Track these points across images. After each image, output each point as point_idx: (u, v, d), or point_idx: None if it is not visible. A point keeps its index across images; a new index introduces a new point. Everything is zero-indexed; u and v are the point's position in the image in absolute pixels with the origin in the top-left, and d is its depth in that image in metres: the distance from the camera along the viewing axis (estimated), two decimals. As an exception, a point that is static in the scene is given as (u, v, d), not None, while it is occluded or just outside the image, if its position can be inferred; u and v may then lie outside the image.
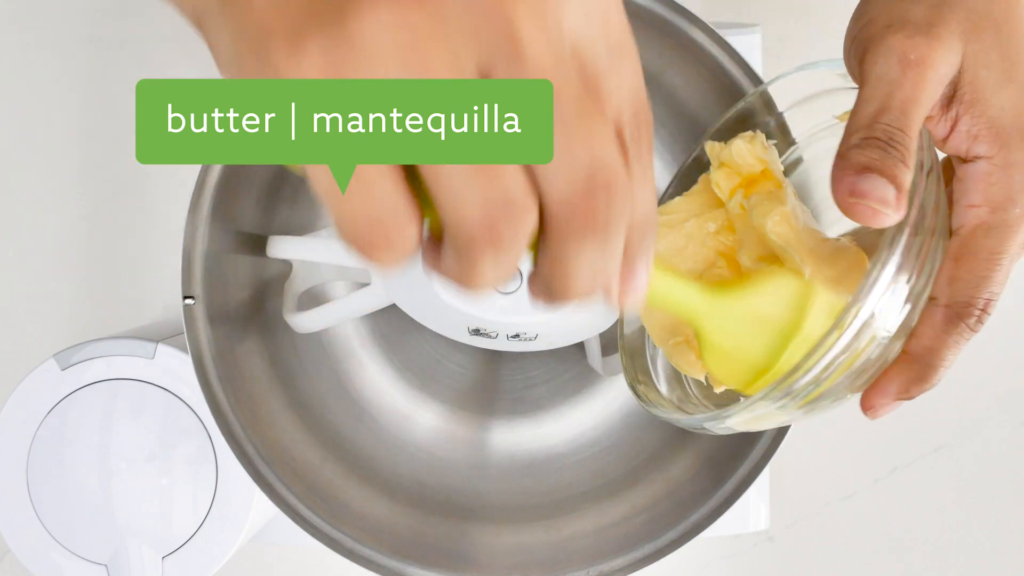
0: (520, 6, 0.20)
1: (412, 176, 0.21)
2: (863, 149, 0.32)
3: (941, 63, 0.32)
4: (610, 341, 0.54)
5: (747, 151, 0.38)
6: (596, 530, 0.52)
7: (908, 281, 0.32)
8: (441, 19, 0.20)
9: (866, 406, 0.37)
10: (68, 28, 0.64)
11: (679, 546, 0.48)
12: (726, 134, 0.41)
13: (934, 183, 0.33)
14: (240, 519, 0.49)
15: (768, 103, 0.41)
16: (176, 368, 0.49)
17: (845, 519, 0.64)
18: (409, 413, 0.58)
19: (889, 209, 0.31)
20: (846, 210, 0.32)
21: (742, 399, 0.35)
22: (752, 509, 0.58)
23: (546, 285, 0.23)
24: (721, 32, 0.46)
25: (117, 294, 0.64)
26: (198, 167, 0.47)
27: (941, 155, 0.35)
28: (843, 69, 0.36)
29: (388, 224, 0.22)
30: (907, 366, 0.35)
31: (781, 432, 0.47)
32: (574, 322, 0.49)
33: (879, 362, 0.35)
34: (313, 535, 0.48)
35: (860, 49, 0.34)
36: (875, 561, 0.65)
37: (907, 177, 0.31)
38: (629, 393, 0.57)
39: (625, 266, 0.23)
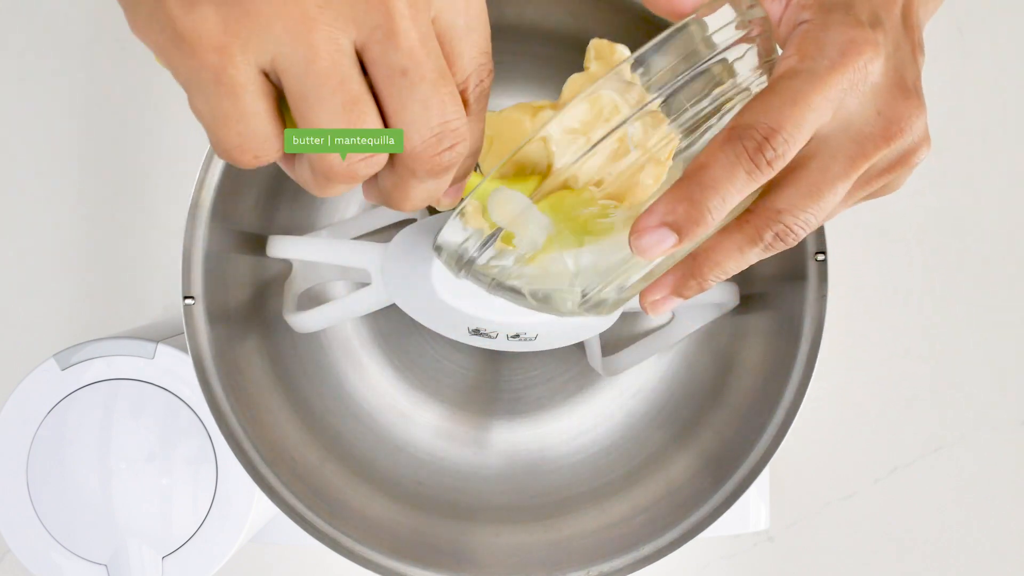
0: None
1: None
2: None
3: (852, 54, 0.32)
4: (610, 341, 0.54)
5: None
6: (596, 530, 0.52)
7: (669, 101, 0.31)
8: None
9: (643, 302, 0.35)
10: (68, 28, 0.64)
11: (679, 546, 0.48)
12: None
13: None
14: (240, 519, 0.49)
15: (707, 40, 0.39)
16: (176, 368, 0.49)
17: (845, 519, 0.64)
18: (409, 413, 0.58)
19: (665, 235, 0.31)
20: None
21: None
22: (752, 509, 0.58)
23: (384, 196, 0.29)
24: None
25: (117, 294, 0.64)
26: (199, 167, 0.47)
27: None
28: None
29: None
30: (683, 265, 0.34)
31: (781, 432, 0.47)
32: (574, 322, 0.49)
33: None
34: (313, 535, 0.48)
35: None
36: (875, 561, 0.65)
37: None
38: (629, 393, 0.57)
39: (452, 184, 0.30)
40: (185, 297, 0.47)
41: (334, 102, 0.26)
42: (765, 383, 0.48)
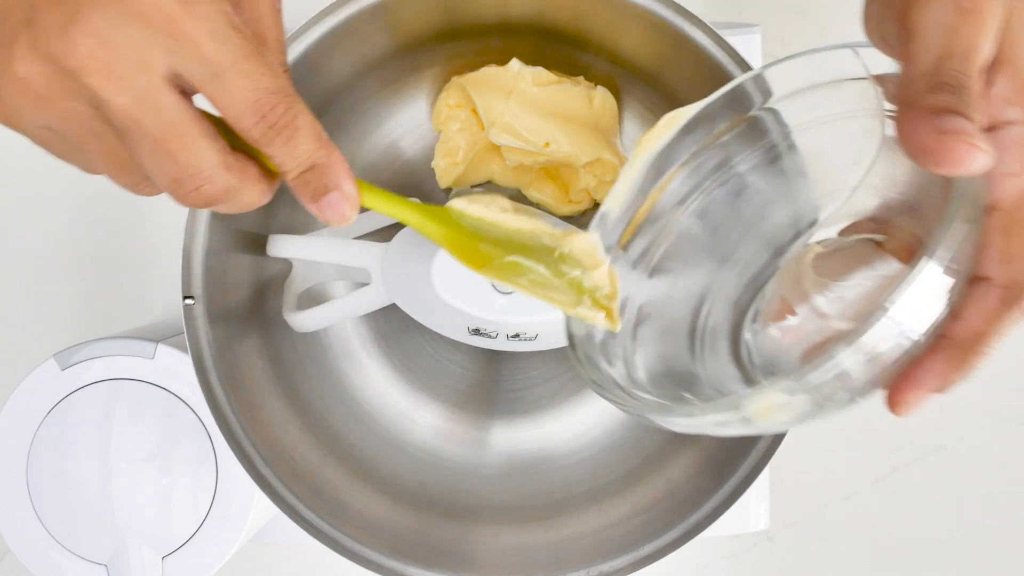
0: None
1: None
2: (934, 94, 0.29)
3: (995, 11, 0.30)
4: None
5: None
6: (596, 530, 0.52)
7: (946, 273, 0.29)
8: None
9: (895, 401, 0.32)
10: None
11: (679, 546, 0.48)
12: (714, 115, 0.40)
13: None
14: (240, 519, 0.49)
15: (763, 89, 0.39)
16: (176, 368, 0.50)
17: (845, 519, 0.64)
18: (409, 413, 0.58)
19: (982, 145, 0.28)
20: (933, 151, 0.28)
21: (751, 387, 0.34)
22: (752, 509, 0.58)
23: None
24: (721, 32, 0.46)
25: (117, 294, 0.64)
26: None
27: None
28: (855, 48, 0.34)
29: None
30: (947, 353, 0.31)
31: (781, 432, 0.47)
32: (574, 322, 0.49)
33: (904, 358, 0.31)
34: (313, 535, 0.48)
35: (899, 6, 0.31)
36: (875, 561, 0.65)
37: (978, 123, 0.28)
38: (629, 393, 0.57)
39: (309, 200, 0.32)
40: (185, 297, 0.47)
41: (98, 153, 0.32)
42: (765, 383, 0.48)
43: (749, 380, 0.39)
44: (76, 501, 0.49)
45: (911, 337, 0.30)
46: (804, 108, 0.38)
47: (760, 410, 0.32)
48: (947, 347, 0.31)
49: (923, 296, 0.29)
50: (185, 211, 0.47)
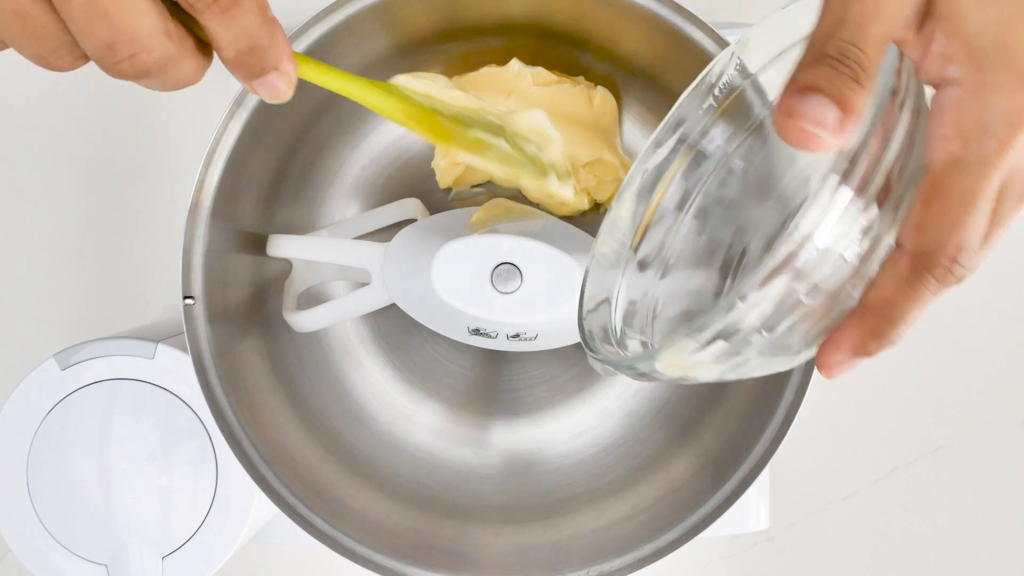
0: None
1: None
2: (812, 68, 0.28)
3: None
4: (610, 341, 0.54)
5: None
6: (596, 530, 0.52)
7: (863, 214, 0.28)
8: None
9: (820, 363, 0.32)
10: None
11: (679, 546, 0.48)
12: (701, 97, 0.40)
13: (909, 115, 0.29)
14: (240, 519, 0.49)
15: (741, 68, 0.38)
16: (176, 368, 0.49)
17: (845, 519, 0.64)
18: (409, 413, 0.58)
19: (825, 131, 0.27)
20: (781, 133, 0.28)
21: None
22: (752, 509, 0.58)
23: None
24: (721, 32, 0.46)
25: (117, 294, 0.64)
26: (198, 167, 0.47)
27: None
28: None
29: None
30: (864, 319, 0.31)
31: (781, 432, 0.47)
32: (574, 322, 0.49)
33: (833, 313, 0.31)
34: (313, 535, 0.48)
35: None
36: (875, 561, 0.65)
37: (858, 98, 0.27)
38: (629, 393, 0.57)
39: (246, 79, 0.30)
40: (185, 297, 0.47)
41: (6, 13, 0.27)
42: (765, 383, 0.48)
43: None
44: (76, 501, 0.49)
45: (812, 281, 0.29)
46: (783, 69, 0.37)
47: (668, 365, 0.32)
48: (862, 313, 0.31)
49: (823, 233, 0.28)
50: (185, 211, 0.47)
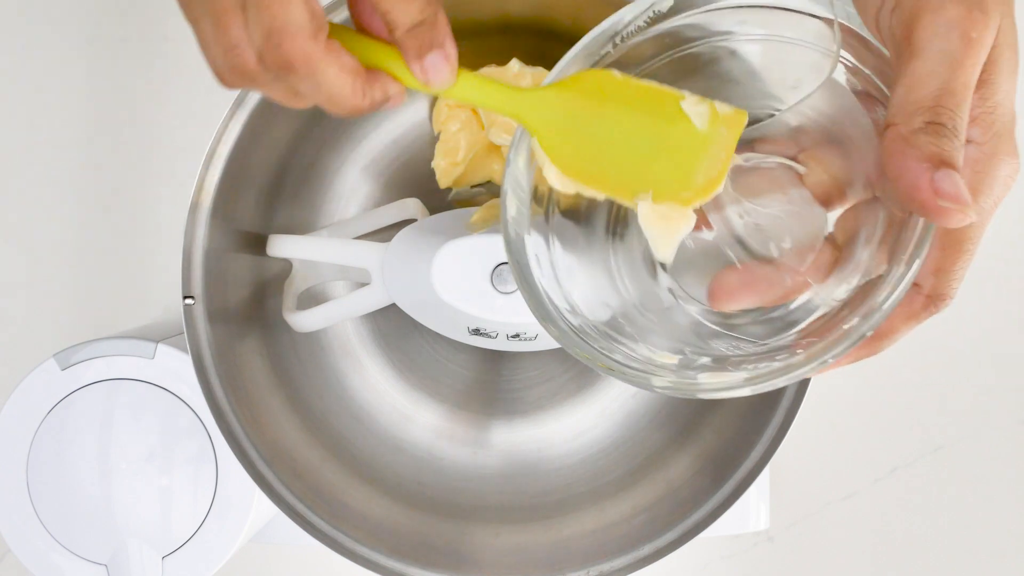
0: None
1: None
2: (931, 137, 0.30)
3: (990, 42, 0.31)
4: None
5: None
6: (596, 530, 0.52)
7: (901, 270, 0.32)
8: None
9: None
10: (68, 28, 0.64)
11: (679, 546, 0.48)
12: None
13: None
14: (240, 519, 0.49)
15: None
16: (176, 368, 0.49)
17: (845, 519, 0.64)
18: (409, 413, 0.58)
19: (970, 212, 0.30)
20: (922, 206, 0.30)
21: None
22: (752, 509, 0.58)
23: None
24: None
25: (117, 294, 0.64)
26: (198, 167, 0.47)
27: None
28: (850, 17, 0.34)
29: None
30: (865, 341, 0.34)
31: (781, 432, 0.47)
32: (574, 322, 0.49)
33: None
34: (313, 535, 0.48)
35: (908, 13, 0.31)
36: (875, 561, 0.65)
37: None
38: (629, 393, 0.57)
39: (415, 57, 0.32)
40: (185, 297, 0.47)
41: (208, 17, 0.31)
42: (765, 383, 0.48)
43: (661, 292, 0.39)
44: (76, 501, 0.49)
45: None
46: (756, 23, 0.38)
47: (668, 387, 0.33)
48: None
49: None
50: (185, 211, 0.47)
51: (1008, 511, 0.64)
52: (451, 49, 0.33)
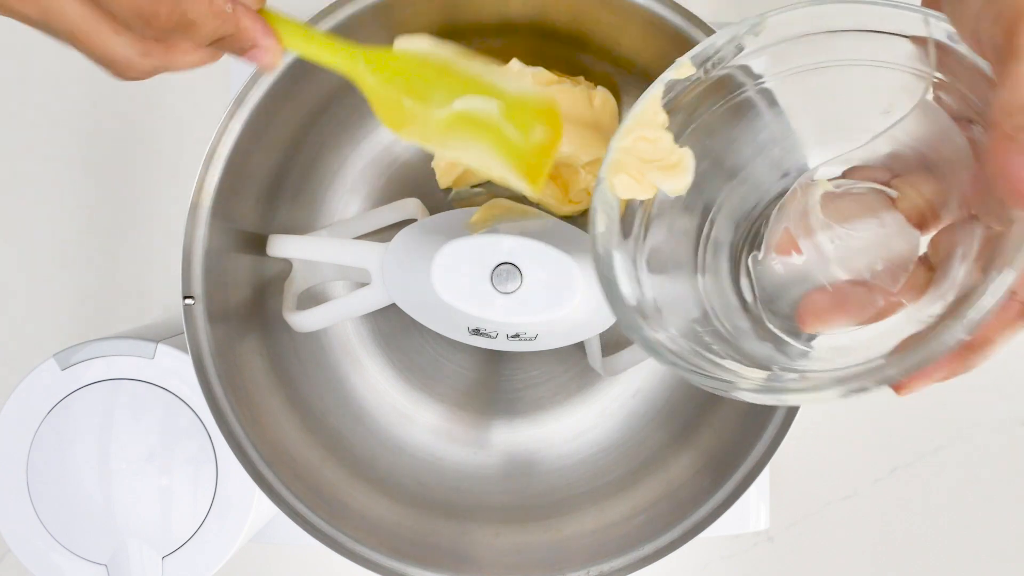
0: None
1: None
2: None
3: None
4: (610, 341, 0.54)
5: None
6: (596, 530, 0.52)
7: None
8: None
9: (901, 385, 0.34)
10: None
11: (679, 546, 0.48)
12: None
13: None
14: (240, 519, 0.49)
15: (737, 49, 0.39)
16: (176, 368, 0.49)
17: (845, 519, 0.64)
18: (409, 413, 0.58)
19: None
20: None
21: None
22: (752, 509, 0.58)
23: None
24: (721, 32, 0.46)
25: (117, 294, 0.64)
26: (199, 166, 0.47)
27: None
28: (926, 16, 0.35)
29: None
30: (960, 352, 0.34)
31: (781, 432, 0.47)
32: (574, 322, 0.49)
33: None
34: (313, 535, 0.48)
35: (1008, 21, 0.31)
36: (875, 561, 0.65)
37: None
38: (629, 393, 0.57)
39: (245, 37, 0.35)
40: (185, 297, 0.47)
41: None
42: (765, 383, 0.48)
43: (750, 313, 0.39)
44: (76, 501, 0.49)
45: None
46: (846, 48, 0.38)
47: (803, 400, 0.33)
48: (963, 347, 0.33)
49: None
50: (185, 211, 0.47)
51: (1008, 511, 0.64)
52: (267, 42, 0.36)
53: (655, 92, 0.39)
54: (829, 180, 0.39)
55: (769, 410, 0.48)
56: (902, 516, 0.65)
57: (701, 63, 0.39)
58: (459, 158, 0.39)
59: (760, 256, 0.40)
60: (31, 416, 0.49)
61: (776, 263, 0.39)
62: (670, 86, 0.40)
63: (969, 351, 0.34)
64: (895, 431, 0.65)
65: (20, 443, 0.49)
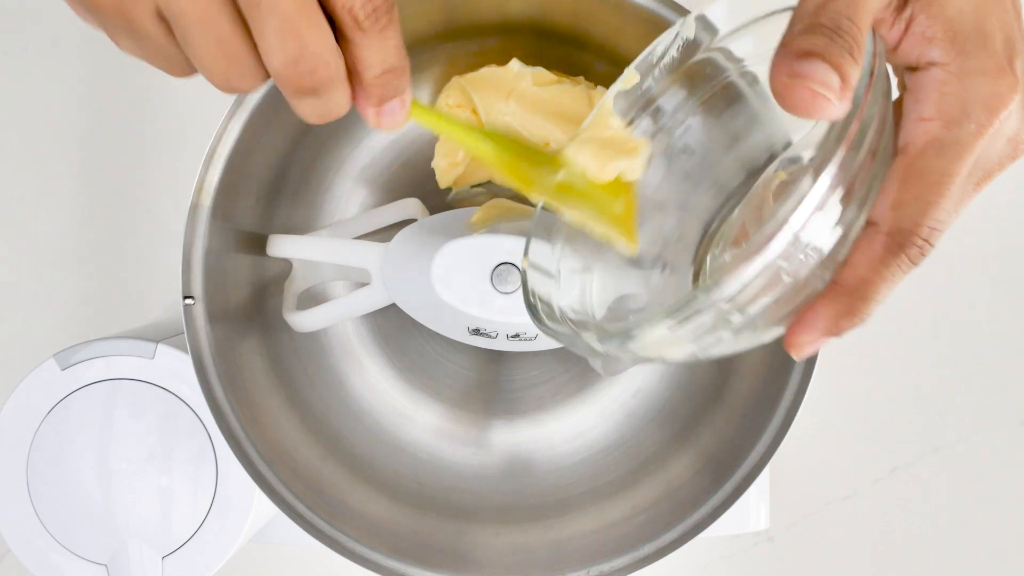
0: None
1: None
2: (807, 36, 0.28)
3: None
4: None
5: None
6: (596, 530, 0.52)
7: (841, 201, 0.28)
8: None
9: (790, 343, 0.32)
10: (68, 28, 0.64)
11: (679, 546, 0.48)
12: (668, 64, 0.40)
13: (879, 97, 0.29)
14: (240, 519, 0.49)
15: (708, 26, 0.38)
16: (176, 368, 0.49)
17: (845, 519, 0.64)
18: (409, 413, 0.58)
19: (832, 95, 0.27)
20: (783, 95, 0.28)
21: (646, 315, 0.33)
22: (752, 509, 0.58)
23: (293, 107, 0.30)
24: (721, 32, 0.46)
25: (117, 294, 0.64)
26: (198, 167, 0.47)
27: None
28: None
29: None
30: (836, 298, 0.31)
31: (781, 432, 0.47)
32: (574, 322, 0.49)
33: (803, 293, 0.31)
34: (313, 535, 0.48)
35: None
36: (875, 561, 0.65)
37: (854, 71, 0.27)
38: (629, 393, 0.57)
39: (376, 103, 0.30)
40: (185, 297, 0.47)
41: (207, 40, 0.28)
42: (765, 383, 0.48)
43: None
44: (76, 501, 0.49)
45: (793, 270, 0.29)
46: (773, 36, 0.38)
47: (646, 345, 0.31)
48: (836, 292, 0.31)
49: (803, 226, 0.28)
50: (185, 211, 0.47)
51: (1008, 511, 0.64)
52: (409, 94, 0.31)
53: (606, 105, 0.39)
54: (784, 171, 0.38)
55: (769, 410, 0.48)
56: (902, 516, 0.65)
57: (647, 69, 0.39)
58: (571, 218, 0.39)
59: (718, 252, 0.39)
60: (31, 416, 0.49)
61: (727, 255, 0.39)
62: (626, 93, 0.40)
63: (848, 295, 0.30)
64: (895, 431, 0.65)
65: (20, 443, 0.49)
